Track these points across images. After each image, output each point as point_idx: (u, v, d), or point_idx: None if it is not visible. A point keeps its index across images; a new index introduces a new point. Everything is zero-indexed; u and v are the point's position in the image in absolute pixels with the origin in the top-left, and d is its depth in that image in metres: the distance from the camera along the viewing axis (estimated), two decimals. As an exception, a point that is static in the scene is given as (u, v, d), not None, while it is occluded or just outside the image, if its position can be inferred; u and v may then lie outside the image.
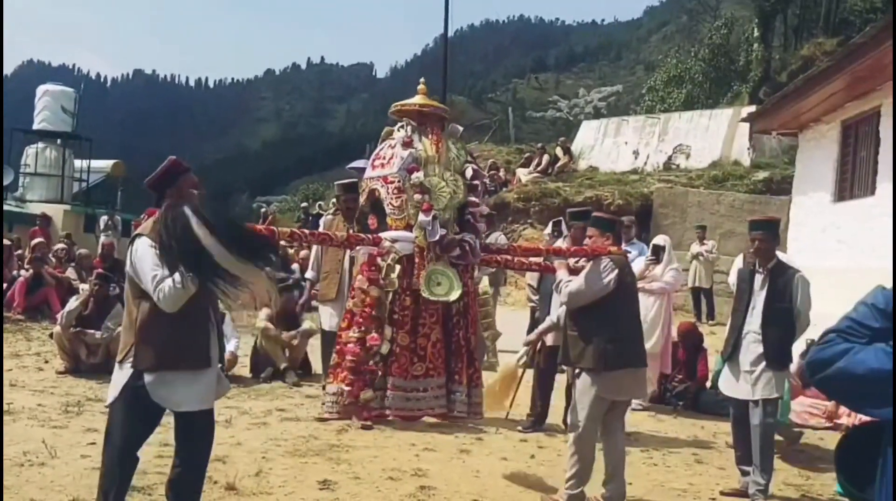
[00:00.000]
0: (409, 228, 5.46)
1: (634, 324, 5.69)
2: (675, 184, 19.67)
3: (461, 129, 7.06)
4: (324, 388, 7.22)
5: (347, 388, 5.09)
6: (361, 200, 6.02)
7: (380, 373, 5.26)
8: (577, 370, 5.56)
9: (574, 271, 5.69)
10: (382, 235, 5.38)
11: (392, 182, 5.56)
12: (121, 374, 4.04)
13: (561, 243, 7.59)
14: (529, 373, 7.75)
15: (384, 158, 5.96)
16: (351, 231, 6.90)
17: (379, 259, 5.24)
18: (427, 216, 5.48)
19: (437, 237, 5.59)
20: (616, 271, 5.45)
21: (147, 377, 3.93)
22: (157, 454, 5.33)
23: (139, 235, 4.01)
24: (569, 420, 5.65)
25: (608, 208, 18.02)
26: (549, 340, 7.25)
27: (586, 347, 5.42)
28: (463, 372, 6.15)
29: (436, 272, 5.41)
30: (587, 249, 5.61)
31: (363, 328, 5.23)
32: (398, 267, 5.25)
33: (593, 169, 22.76)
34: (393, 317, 5.24)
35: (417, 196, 5.53)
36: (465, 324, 6.20)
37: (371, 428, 6.87)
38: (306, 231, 6.15)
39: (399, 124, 5.93)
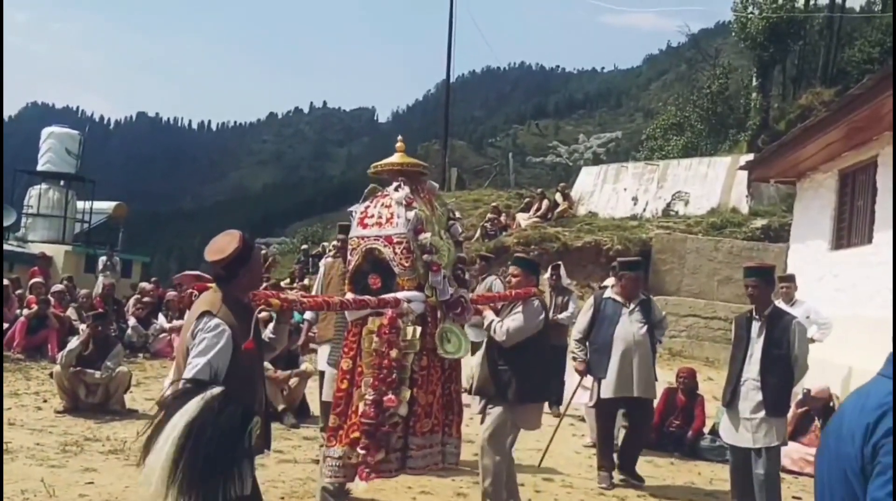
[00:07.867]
0: (419, 288, 5.50)
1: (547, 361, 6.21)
2: (674, 230, 19.75)
3: (437, 185, 7.16)
4: (320, 447, 7.20)
5: (363, 452, 5.06)
6: (353, 259, 5.99)
7: (399, 435, 5.26)
8: (489, 405, 6.02)
9: (497, 313, 6.10)
10: (397, 295, 5.41)
11: (399, 243, 5.57)
12: None
13: (610, 291, 7.84)
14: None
15: (380, 217, 5.95)
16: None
17: (399, 320, 5.26)
18: (438, 276, 5.56)
19: (448, 296, 5.67)
20: (544, 311, 6.01)
21: None
22: None
23: (208, 312, 3.67)
24: (484, 452, 5.98)
25: (607, 253, 18.11)
26: (605, 392, 7.48)
27: (512, 380, 5.86)
28: (454, 424, 6.18)
29: (445, 330, 5.49)
30: (520, 292, 6.06)
31: (379, 391, 5.21)
32: (419, 328, 5.30)
33: (592, 214, 22.86)
34: (413, 377, 5.28)
35: (426, 256, 5.59)
36: (456, 377, 6.27)
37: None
38: (347, 298, 6.00)
39: (395, 184, 5.96)
